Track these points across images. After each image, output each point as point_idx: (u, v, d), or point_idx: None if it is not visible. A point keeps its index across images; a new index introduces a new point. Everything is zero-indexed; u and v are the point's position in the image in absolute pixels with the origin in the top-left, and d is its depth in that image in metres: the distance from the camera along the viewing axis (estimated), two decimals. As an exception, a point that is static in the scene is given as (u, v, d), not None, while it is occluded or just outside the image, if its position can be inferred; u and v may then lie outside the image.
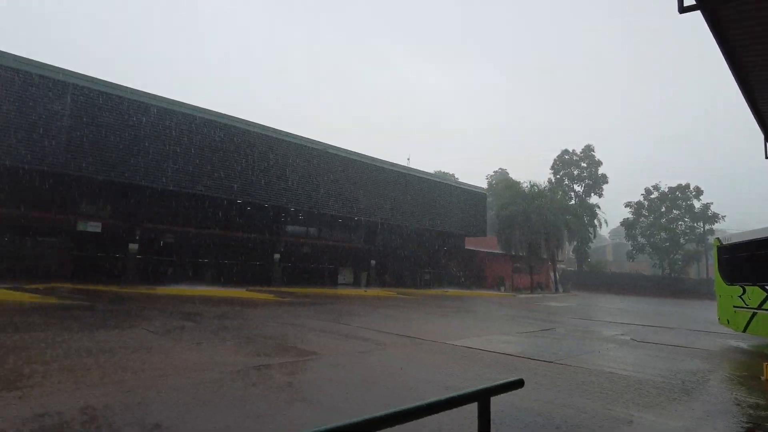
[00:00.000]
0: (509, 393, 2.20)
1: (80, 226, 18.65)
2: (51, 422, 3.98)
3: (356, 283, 29.55)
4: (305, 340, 9.09)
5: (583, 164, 54.64)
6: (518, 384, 2.16)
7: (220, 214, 22.41)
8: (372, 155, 27.20)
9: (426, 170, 35.31)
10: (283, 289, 22.59)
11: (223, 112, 20.28)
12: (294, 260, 26.52)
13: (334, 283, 28.50)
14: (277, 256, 24.56)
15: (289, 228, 26.64)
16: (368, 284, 28.98)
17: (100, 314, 11.15)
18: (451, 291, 30.98)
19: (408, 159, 75.17)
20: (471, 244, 38.47)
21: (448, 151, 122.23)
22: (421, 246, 32.59)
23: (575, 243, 50.40)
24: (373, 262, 29.67)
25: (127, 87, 17.56)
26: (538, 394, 5.91)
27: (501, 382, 2.11)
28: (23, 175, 16.06)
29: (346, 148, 25.71)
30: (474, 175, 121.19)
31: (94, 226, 18.79)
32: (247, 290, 20.11)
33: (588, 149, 54.79)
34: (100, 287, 16.98)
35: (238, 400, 5.02)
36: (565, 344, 10.61)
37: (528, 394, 5.71)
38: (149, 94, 18.00)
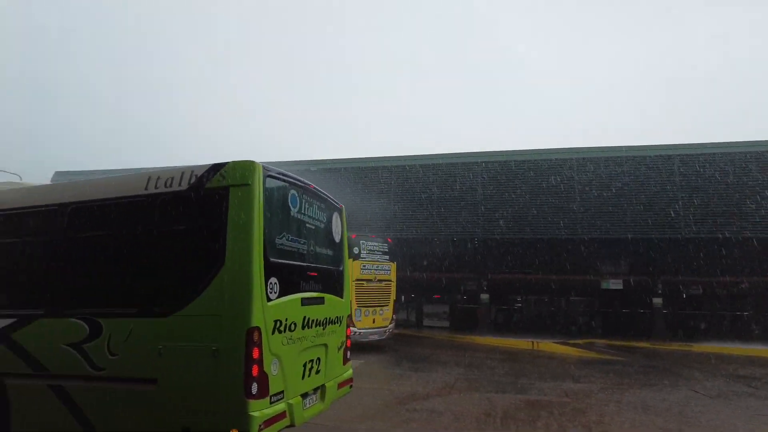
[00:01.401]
0: None
1: (603, 285, 19.98)
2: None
3: None
4: None
5: None
6: None
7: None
8: None
9: None
10: None
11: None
12: None
13: None
14: None
15: None
16: None
17: (637, 370, 11.24)
18: None
19: None
20: None
21: None
22: None
23: None
24: None
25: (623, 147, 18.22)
26: None
27: None
28: (555, 244, 18.88)
29: None
30: None
31: (616, 284, 19.71)
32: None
33: None
34: (630, 343, 17.26)
35: None
36: None
37: None
38: (646, 146, 18.00)
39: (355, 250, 13.48)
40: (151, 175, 4.16)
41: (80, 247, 4.37)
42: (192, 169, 4.02)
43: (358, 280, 13.39)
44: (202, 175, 3.94)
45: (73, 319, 4.04)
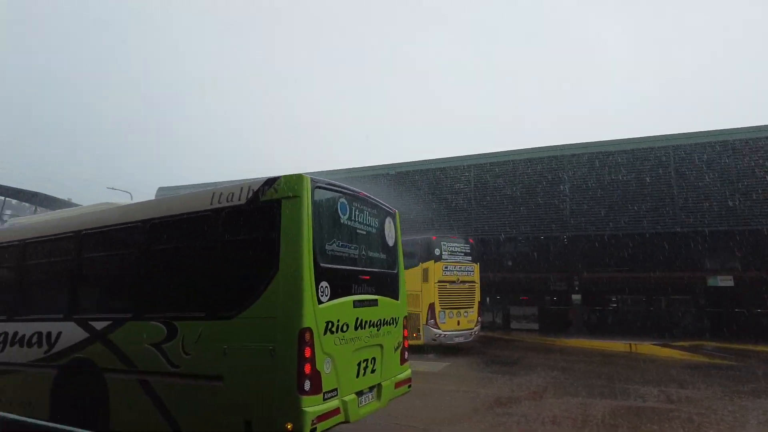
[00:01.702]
0: None
1: (710, 282, 18.22)
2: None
3: None
4: None
5: None
6: None
7: None
8: None
9: None
10: None
11: None
12: None
13: None
14: None
15: None
16: None
17: (756, 377, 10.08)
18: None
19: None
20: None
21: None
22: None
23: None
24: None
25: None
26: None
27: None
28: (653, 238, 17.55)
29: None
30: None
31: (726, 280, 17.87)
32: None
33: None
34: (746, 346, 15.58)
35: None
36: None
37: None
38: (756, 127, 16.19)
39: (437, 251, 13.37)
40: (215, 192, 4.54)
41: (158, 257, 4.88)
42: (249, 184, 4.35)
43: (440, 281, 13.27)
44: (258, 190, 4.25)
45: (154, 322, 4.51)
